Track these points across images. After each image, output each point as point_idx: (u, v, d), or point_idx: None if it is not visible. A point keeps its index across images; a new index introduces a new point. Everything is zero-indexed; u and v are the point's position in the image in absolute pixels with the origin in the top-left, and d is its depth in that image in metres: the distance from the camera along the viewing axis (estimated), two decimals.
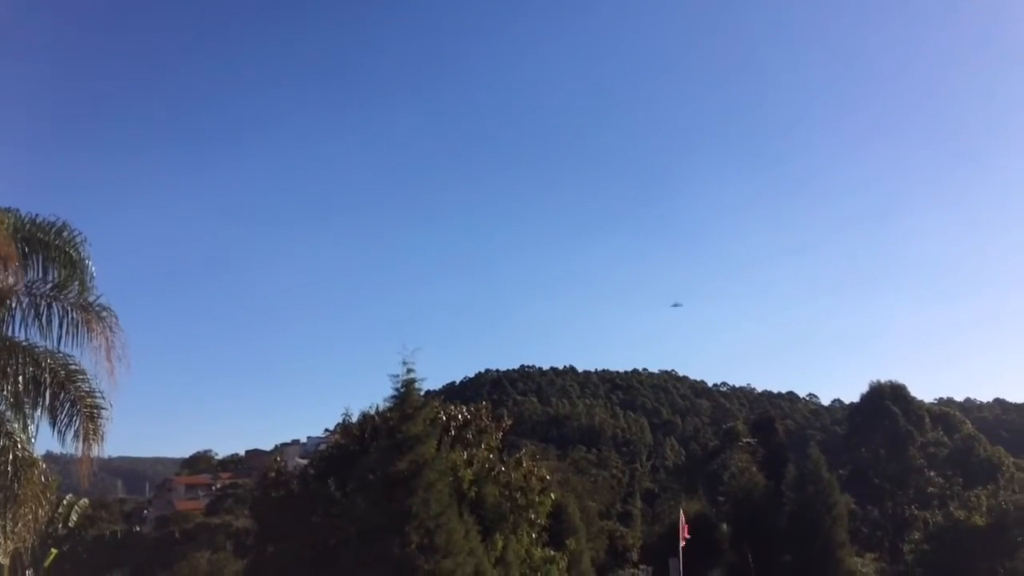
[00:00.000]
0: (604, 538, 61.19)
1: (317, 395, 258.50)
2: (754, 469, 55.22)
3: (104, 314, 15.11)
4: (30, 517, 14.59)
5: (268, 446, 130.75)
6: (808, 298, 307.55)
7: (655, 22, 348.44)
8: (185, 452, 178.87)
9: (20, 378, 14.30)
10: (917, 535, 57.03)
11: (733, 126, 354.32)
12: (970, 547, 45.20)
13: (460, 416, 32.41)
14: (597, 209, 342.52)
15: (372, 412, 31.00)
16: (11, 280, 14.47)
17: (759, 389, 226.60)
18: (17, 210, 15.14)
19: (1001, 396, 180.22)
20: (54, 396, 14.73)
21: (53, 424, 14.84)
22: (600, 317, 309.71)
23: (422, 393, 25.75)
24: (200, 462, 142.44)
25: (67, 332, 14.83)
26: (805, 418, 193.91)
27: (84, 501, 45.09)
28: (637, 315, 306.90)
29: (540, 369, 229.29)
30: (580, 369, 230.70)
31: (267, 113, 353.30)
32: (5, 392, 14.41)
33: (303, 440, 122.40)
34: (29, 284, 14.94)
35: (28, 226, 15.07)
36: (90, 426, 14.76)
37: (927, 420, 71.37)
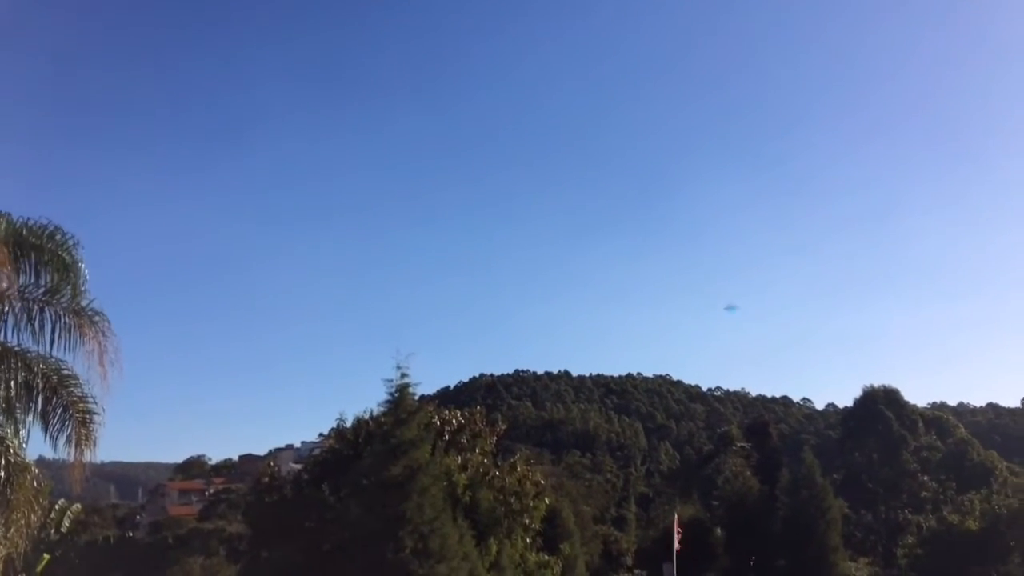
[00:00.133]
0: (598, 543, 61.18)
1: (311, 399, 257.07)
2: (748, 473, 55.44)
3: (97, 319, 15.05)
4: (22, 522, 14.51)
5: (262, 451, 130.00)
6: (807, 299, 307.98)
7: (655, 22, 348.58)
8: (178, 457, 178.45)
9: (12, 383, 14.24)
10: (911, 539, 57.22)
11: (733, 126, 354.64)
12: (963, 551, 45.33)
13: (454, 421, 32.42)
14: (597, 209, 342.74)
15: (366, 417, 31.08)
16: (3, 284, 14.40)
17: (753, 393, 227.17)
18: (8, 214, 15.10)
19: (994, 400, 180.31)
20: (46, 401, 14.66)
21: (45, 429, 14.76)
22: (596, 320, 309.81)
23: (416, 398, 25.77)
24: (193, 467, 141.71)
25: (59, 337, 14.74)
26: (799, 422, 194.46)
27: (77, 506, 44.84)
28: (635, 316, 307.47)
29: (535, 373, 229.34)
30: (575, 373, 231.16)
31: (267, 112, 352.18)
32: None
33: (297, 445, 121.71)
34: (21, 288, 14.85)
35: (20, 230, 15.02)
36: (82, 431, 14.70)
37: (920, 424, 71.70)
